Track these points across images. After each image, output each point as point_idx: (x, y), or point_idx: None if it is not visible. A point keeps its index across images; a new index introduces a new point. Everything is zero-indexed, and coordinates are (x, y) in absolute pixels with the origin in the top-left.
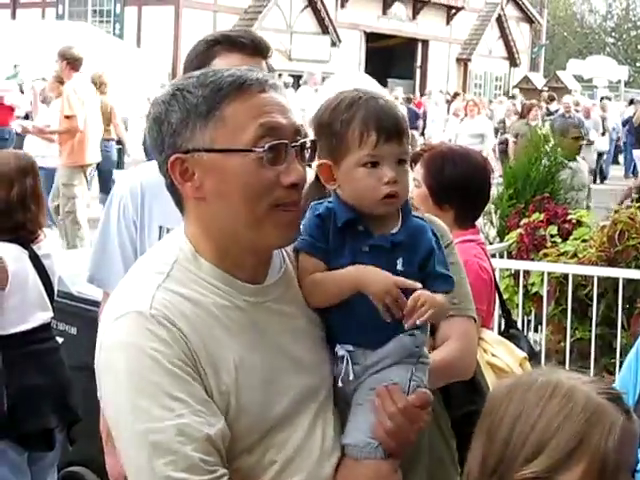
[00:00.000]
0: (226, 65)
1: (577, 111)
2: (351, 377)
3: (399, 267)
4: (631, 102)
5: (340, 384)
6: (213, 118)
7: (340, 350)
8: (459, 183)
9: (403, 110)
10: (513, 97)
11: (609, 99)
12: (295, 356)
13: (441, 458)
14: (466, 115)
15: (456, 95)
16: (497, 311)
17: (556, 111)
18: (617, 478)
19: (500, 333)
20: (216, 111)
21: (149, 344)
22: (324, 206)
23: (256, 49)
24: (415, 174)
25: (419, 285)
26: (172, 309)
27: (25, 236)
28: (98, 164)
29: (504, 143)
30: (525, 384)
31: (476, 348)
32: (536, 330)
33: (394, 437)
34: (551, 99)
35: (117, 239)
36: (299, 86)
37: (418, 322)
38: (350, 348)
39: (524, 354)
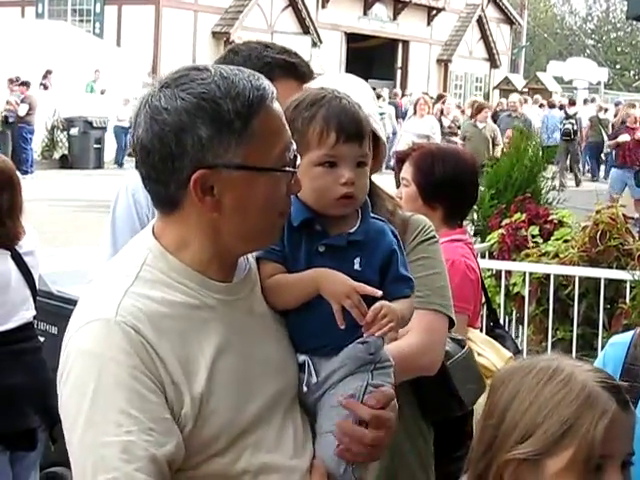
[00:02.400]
0: (285, 92)
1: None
2: (314, 381)
3: (356, 267)
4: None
5: (305, 390)
6: (246, 135)
7: (301, 357)
8: (448, 182)
9: (390, 110)
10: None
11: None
12: (266, 357)
13: (408, 462)
14: (415, 113)
15: (441, 97)
16: (484, 311)
17: (575, 114)
18: (604, 467)
19: (486, 333)
20: (249, 127)
21: (110, 354)
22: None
23: (309, 78)
24: (404, 173)
25: (379, 293)
26: (139, 315)
27: (3, 243)
28: None
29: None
30: (526, 367)
31: (442, 343)
32: (517, 330)
33: (364, 453)
34: (572, 103)
35: (130, 235)
36: None
37: (377, 334)
38: (306, 357)
39: (510, 354)
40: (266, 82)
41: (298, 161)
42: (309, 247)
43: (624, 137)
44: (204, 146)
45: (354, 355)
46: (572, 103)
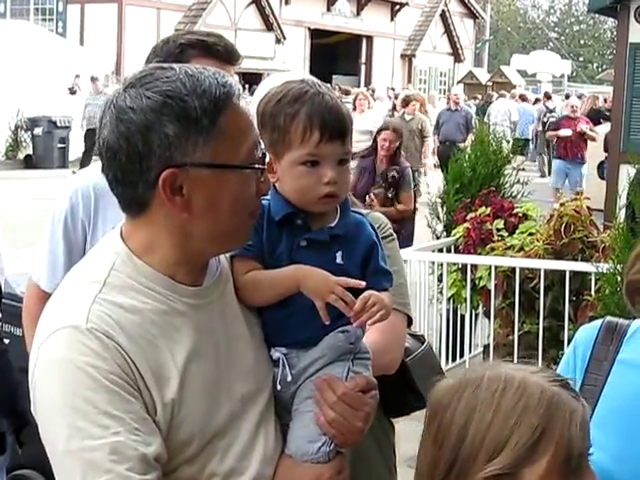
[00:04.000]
0: None
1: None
2: (289, 379)
3: (338, 260)
4: (567, 97)
5: (279, 387)
6: (214, 132)
7: (275, 353)
8: None
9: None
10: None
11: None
12: (237, 359)
13: (371, 459)
14: (355, 109)
15: (406, 102)
16: None
17: (554, 109)
18: (582, 463)
19: None
20: (216, 125)
21: (85, 360)
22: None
23: (229, 57)
24: None
25: (363, 284)
26: (109, 321)
27: None
28: None
29: None
30: (473, 381)
31: (402, 342)
32: (484, 324)
33: (339, 426)
34: (548, 97)
35: (63, 241)
36: (244, 83)
37: (369, 323)
38: (284, 350)
39: None
40: (231, 80)
41: (267, 159)
42: (291, 242)
43: (565, 132)
44: (171, 144)
45: (334, 344)
46: (548, 97)
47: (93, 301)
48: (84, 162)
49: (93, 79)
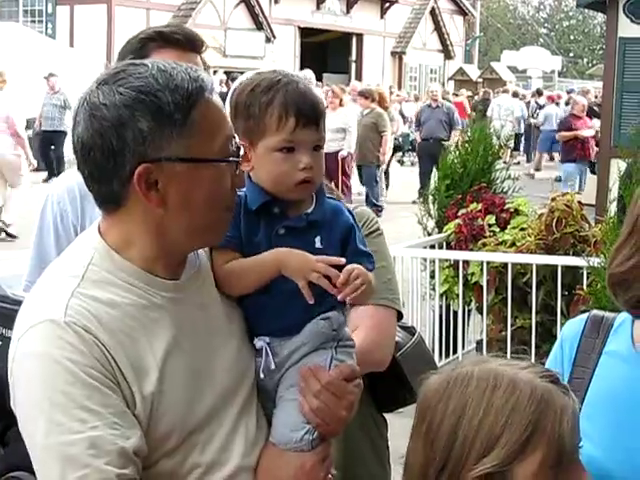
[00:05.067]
0: None
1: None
2: (272, 367)
3: (317, 245)
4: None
5: (262, 376)
6: (187, 126)
7: (258, 342)
8: None
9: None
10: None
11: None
12: (217, 351)
13: (362, 457)
14: (327, 107)
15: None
16: None
17: (544, 105)
18: (573, 457)
19: None
20: (189, 119)
21: (63, 354)
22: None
23: (190, 44)
24: None
25: (343, 260)
26: (88, 315)
27: None
28: None
29: None
30: (461, 379)
31: (392, 338)
32: (476, 320)
33: (322, 415)
34: (539, 93)
35: (55, 245)
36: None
37: (351, 296)
38: (267, 339)
39: None
40: (204, 74)
41: (242, 151)
42: (269, 230)
43: (588, 132)
44: (145, 139)
45: (317, 331)
46: (539, 93)
47: (71, 295)
48: (51, 169)
49: (48, 77)
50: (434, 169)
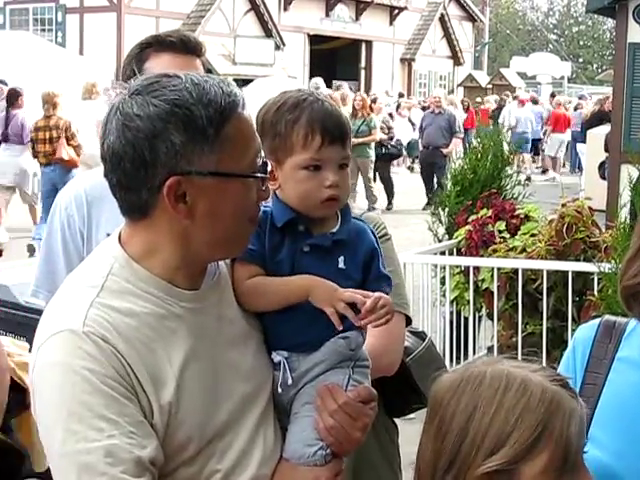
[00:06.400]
0: (158, 66)
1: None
2: (289, 382)
3: (341, 265)
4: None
5: (280, 390)
6: (219, 141)
7: (276, 356)
8: None
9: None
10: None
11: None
12: (235, 362)
13: (372, 462)
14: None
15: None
16: None
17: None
18: (578, 461)
19: None
20: (221, 134)
21: (81, 363)
22: (261, 210)
23: (185, 47)
24: None
25: (368, 302)
26: (106, 325)
27: None
28: None
29: None
30: (474, 378)
31: (401, 343)
32: (487, 326)
33: (337, 434)
34: (553, 96)
35: (62, 251)
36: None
37: (374, 324)
38: (285, 354)
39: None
40: (236, 89)
41: (269, 167)
42: (293, 247)
43: None
44: (177, 153)
45: (335, 349)
46: (553, 96)
47: (90, 305)
48: None
49: None
50: (435, 177)
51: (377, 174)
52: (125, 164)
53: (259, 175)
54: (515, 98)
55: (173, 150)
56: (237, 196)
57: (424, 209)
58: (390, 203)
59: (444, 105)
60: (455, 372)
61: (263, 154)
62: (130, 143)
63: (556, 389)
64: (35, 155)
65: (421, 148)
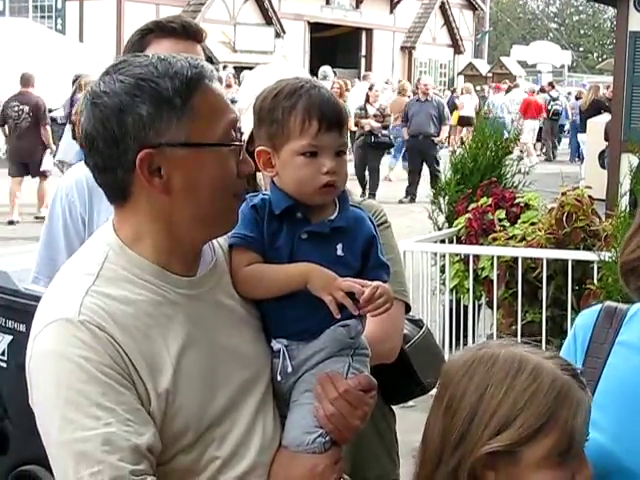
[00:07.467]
0: (160, 52)
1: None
2: (289, 370)
3: (339, 252)
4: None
5: (279, 378)
6: (187, 111)
7: (276, 344)
8: None
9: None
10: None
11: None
12: (233, 348)
13: (371, 446)
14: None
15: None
16: None
17: (557, 98)
18: (579, 451)
19: None
20: (189, 104)
21: (77, 352)
22: (259, 197)
23: (187, 33)
24: None
25: (366, 292)
26: (102, 313)
27: None
28: None
29: None
30: (487, 358)
31: (401, 330)
32: (486, 314)
33: (336, 422)
34: (551, 86)
35: (63, 237)
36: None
37: (372, 313)
38: (285, 342)
39: None
40: (204, 62)
41: (244, 137)
42: (291, 234)
43: None
44: (145, 124)
45: (335, 338)
46: (551, 86)
47: (86, 293)
48: None
49: None
50: (424, 167)
51: (366, 163)
52: (98, 143)
53: (232, 144)
54: (552, 87)
55: (141, 122)
56: (212, 167)
57: (400, 202)
58: (372, 195)
59: (431, 93)
60: (469, 351)
61: (239, 125)
62: (99, 120)
63: (566, 378)
64: (75, 137)
65: (406, 137)
